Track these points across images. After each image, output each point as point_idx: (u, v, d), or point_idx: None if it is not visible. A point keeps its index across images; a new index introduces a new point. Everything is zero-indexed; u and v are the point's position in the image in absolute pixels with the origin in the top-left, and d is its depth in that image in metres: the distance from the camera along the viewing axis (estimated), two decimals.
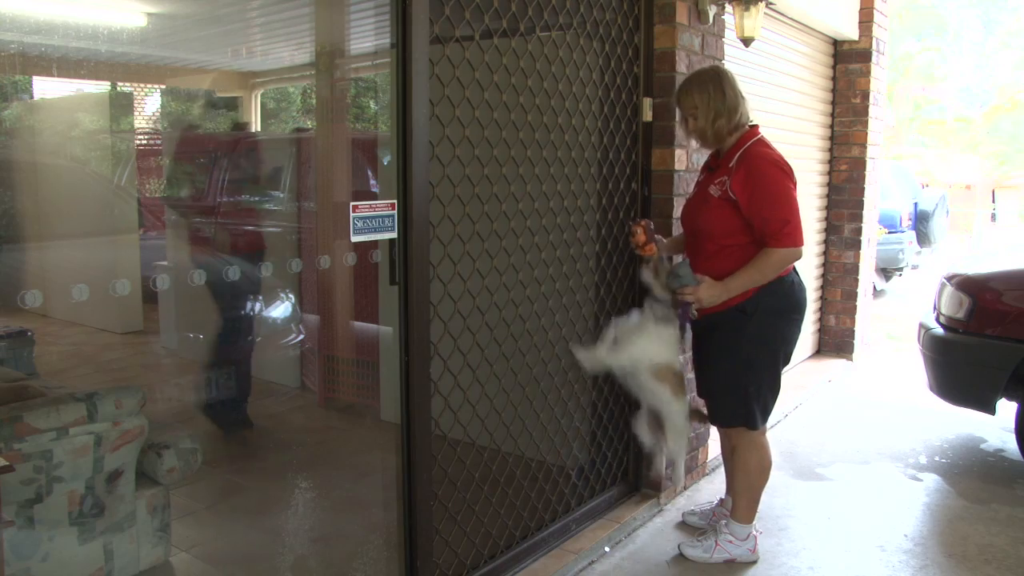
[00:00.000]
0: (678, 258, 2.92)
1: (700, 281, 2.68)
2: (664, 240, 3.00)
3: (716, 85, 2.71)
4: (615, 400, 3.30)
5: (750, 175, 2.63)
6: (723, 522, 2.95)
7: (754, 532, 2.94)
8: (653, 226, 2.90)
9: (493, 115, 2.55)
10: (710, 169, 2.84)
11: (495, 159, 2.60)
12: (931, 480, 3.75)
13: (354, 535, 3.07)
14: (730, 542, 2.90)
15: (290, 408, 4.67)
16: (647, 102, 3.19)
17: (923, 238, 9.95)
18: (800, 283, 2.80)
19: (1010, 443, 4.12)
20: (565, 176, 2.94)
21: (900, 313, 7.83)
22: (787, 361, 2.84)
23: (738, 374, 2.75)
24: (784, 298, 2.73)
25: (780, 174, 2.64)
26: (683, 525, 3.19)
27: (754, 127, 2.76)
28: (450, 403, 2.54)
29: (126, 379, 4.98)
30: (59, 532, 2.28)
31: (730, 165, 2.69)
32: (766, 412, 2.84)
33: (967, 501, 3.50)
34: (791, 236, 2.61)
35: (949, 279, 3.94)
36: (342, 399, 4.24)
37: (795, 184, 2.68)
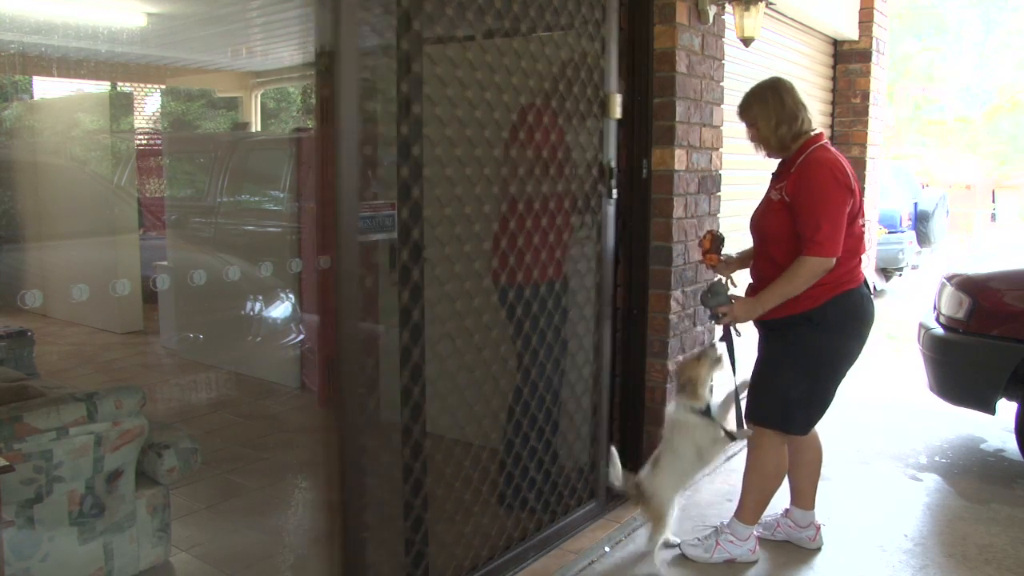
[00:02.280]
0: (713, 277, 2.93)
1: (733, 299, 2.74)
2: (734, 255, 3.00)
3: (774, 93, 2.75)
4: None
5: (802, 177, 2.64)
6: (725, 522, 2.95)
7: (755, 533, 2.94)
8: (723, 238, 2.96)
9: (494, 115, 2.54)
10: (776, 177, 2.82)
11: (494, 159, 2.59)
12: (931, 480, 3.75)
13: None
14: (731, 542, 2.90)
15: (290, 408, 4.68)
16: (615, 98, 2.98)
17: (923, 238, 9.95)
18: (869, 294, 2.77)
19: (1010, 443, 4.12)
20: (565, 177, 2.92)
21: (900, 313, 7.83)
22: (845, 372, 2.81)
23: (787, 379, 2.73)
24: (853, 310, 2.70)
25: (830, 179, 2.60)
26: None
27: (818, 134, 2.74)
28: (449, 403, 2.54)
29: (126, 379, 4.98)
30: (59, 532, 2.28)
31: (791, 171, 2.69)
32: (809, 422, 2.82)
33: (967, 501, 3.50)
34: (821, 245, 2.56)
35: (949, 279, 3.94)
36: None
37: (853, 192, 2.63)
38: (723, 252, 2.99)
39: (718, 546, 2.89)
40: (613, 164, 2.98)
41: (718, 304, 2.75)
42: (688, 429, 2.80)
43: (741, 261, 3.00)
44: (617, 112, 2.99)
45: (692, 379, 2.81)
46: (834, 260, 2.60)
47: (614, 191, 3.01)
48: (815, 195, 2.60)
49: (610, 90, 2.96)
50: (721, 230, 3.05)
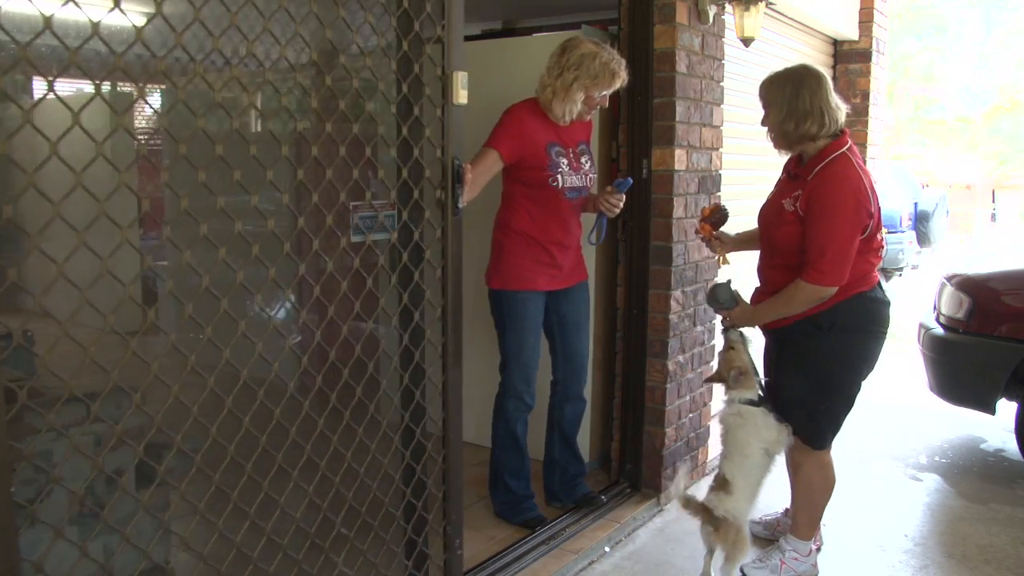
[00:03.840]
0: (722, 277, 2.85)
1: (737, 303, 2.69)
2: (731, 235, 2.92)
3: (794, 84, 2.52)
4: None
5: (817, 190, 2.48)
6: (784, 539, 2.86)
7: (813, 546, 2.86)
8: (727, 214, 2.88)
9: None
10: (790, 175, 2.66)
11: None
12: (931, 480, 3.75)
13: (354, 536, 3.06)
14: (795, 559, 2.81)
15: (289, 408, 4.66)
16: (458, 78, 2.10)
17: (923, 238, 9.97)
18: (883, 297, 2.65)
19: (1010, 443, 4.12)
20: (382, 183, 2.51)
21: (900, 313, 7.84)
22: (864, 377, 2.69)
23: (810, 391, 2.64)
24: (864, 313, 2.59)
25: (850, 202, 2.43)
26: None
27: (841, 137, 2.54)
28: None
29: (126, 379, 4.98)
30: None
31: (808, 178, 2.52)
32: (835, 431, 2.74)
33: (967, 501, 3.50)
34: (822, 272, 2.43)
35: (949, 279, 3.94)
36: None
37: (872, 216, 2.48)
38: (722, 229, 2.90)
39: (783, 565, 2.79)
40: (459, 163, 2.15)
41: (719, 308, 2.74)
42: (750, 424, 2.62)
43: (737, 243, 2.92)
44: (462, 96, 2.13)
45: (741, 368, 2.66)
46: (834, 289, 2.47)
47: (461, 200, 2.17)
48: (827, 215, 2.45)
49: (452, 68, 2.11)
50: (722, 229, 2.98)
